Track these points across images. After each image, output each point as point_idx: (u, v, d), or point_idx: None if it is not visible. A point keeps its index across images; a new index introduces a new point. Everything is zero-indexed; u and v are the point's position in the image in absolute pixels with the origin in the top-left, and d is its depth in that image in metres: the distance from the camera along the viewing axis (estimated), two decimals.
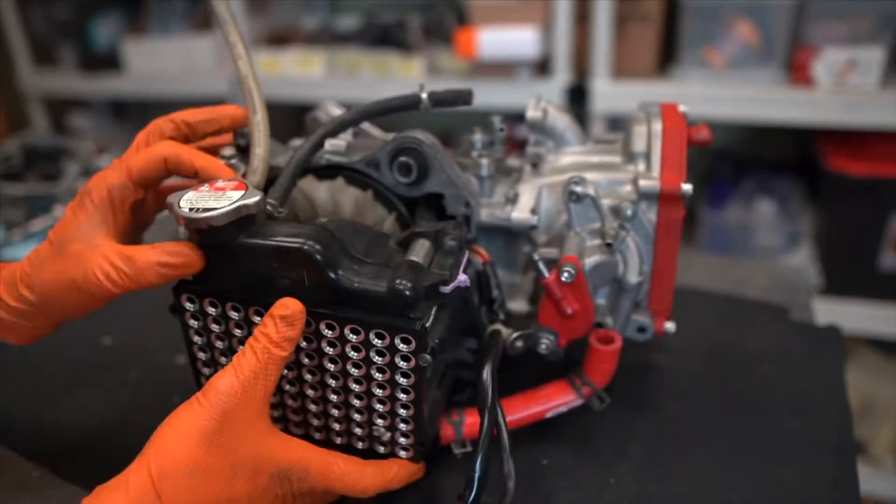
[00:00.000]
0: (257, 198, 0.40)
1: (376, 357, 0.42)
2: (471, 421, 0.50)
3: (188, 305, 0.44)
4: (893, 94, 1.14)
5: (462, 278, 0.43)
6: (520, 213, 0.50)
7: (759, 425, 0.53)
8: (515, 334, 0.49)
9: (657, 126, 0.51)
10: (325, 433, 0.47)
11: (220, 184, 0.42)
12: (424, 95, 0.50)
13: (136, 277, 0.41)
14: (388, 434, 0.45)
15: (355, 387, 0.43)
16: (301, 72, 1.53)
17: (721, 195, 1.41)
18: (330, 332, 0.41)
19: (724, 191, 1.42)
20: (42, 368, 0.65)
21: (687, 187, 0.48)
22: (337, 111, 0.56)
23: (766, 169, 1.46)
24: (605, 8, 1.24)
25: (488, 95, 1.36)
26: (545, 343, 0.49)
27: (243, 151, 0.50)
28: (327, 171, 0.51)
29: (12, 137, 1.12)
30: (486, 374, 0.45)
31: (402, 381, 0.42)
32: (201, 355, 0.46)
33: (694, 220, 1.45)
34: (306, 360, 0.44)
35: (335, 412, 0.45)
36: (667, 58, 1.35)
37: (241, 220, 0.40)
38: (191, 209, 0.39)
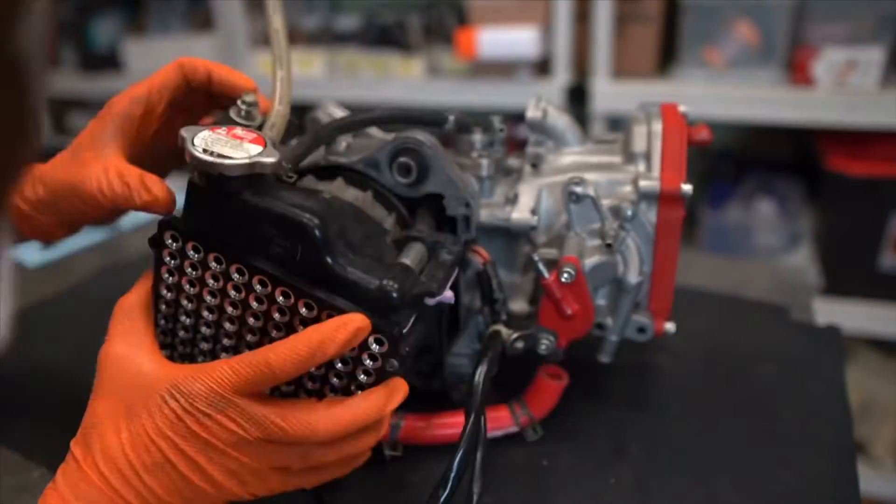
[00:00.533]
0: (274, 159, 0.39)
1: None
2: (408, 424, 0.51)
3: (170, 242, 0.42)
4: (893, 94, 1.14)
5: (448, 295, 0.42)
6: (519, 213, 0.50)
7: (760, 425, 0.53)
8: (515, 335, 0.49)
9: (657, 126, 0.51)
10: None
11: (237, 131, 0.40)
12: (452, 118, 0.52)
13: (123, 196, 0.42)
14: None
15: (314, 371, 0.42)
16: (301, 72, 1.53)
17: (721, 195, 1.41)
18: (306, 311, 0.40)
19: (724, 191, 1.42)
20: (42, 368, 0.65)
21: (687, 188, 0.48)
22: (337, 111, 0.56)
23: (766, 169, 1.46)
24: (605, 8, 1.24)
25: (488, 95, 1.36)
26: (545, 344, 0.49)
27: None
28: (326, 172, 0.51)
29: None
30: (480, 375, 0.45)
31: (362, 377, 0.41)
32: (166, 293, 0.44)
33: (694, 220, 1.45)
34: (273, 332, 0.42)
35: (284, 388, 0.43)
36: (667, 58, 1.35)
37: (252, 175, 0.39)
38: (204, 150, 0.38)
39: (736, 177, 1.45)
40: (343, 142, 0.53)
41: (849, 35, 1.18)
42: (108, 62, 1.79)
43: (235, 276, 0.41)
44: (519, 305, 0.54)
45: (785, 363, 0.61)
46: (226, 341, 0.44)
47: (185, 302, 0.44)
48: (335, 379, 0.42)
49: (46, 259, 0.92)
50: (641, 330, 0.52)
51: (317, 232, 0.38)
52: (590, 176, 0.51)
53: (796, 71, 1.21)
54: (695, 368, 0.61)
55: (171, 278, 0.43)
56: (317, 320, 0.40)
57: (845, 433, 0.52)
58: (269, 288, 0.40)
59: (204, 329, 0.44)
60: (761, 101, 1.21)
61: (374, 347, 0.39)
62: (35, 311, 0.77)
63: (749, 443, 0.52)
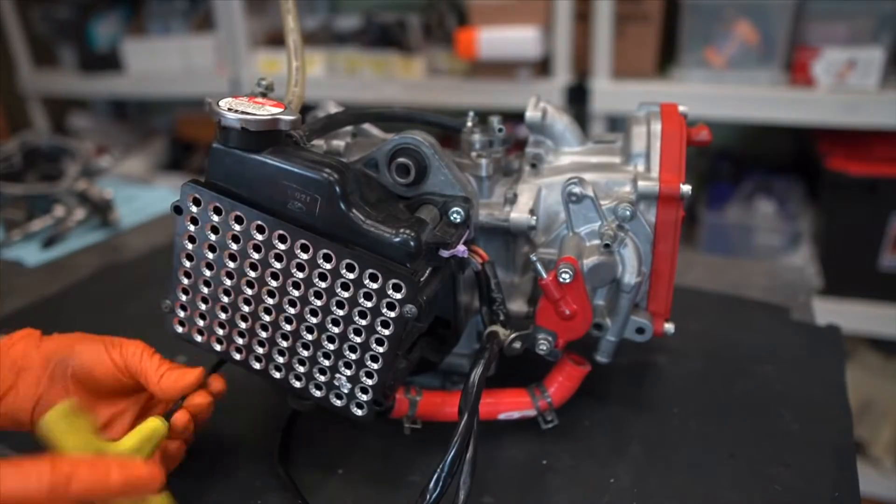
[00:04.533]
0: (294, 117, 0.42)
1: (363, 300, 0.42)
2: (426, 401, 0.51)
3: (192, 207, 0.44)
4: (893, 94, 1.14)
5: (461, 249, 0.45)
6: (518, 213, 0.50)
7: (759, 425, 0.53)
8: (513, 335, 0.49)
9: (656, 126, 0.51)
10: (286, 372, 0.46)
11: (259, 99, 0.44)
12: (469, 123, 0.55)
13: None
14: (349, 386, 0.44)
15: (332, 328, 0.43)
16: None
17: (721, 195, 1.41)
18: (326, 263, 0.42)
19: (724, 191, 1.42)
20: None
21: (686, 188, 0.48)
22: (337, 111, 0.56)
23: (766, 169, 1.46)
24: (606, 8, 1.24)
25: (488, 95, 1.36)
26: (543, 344, 0.49)
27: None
28: None
29: (12, 137, 1.12)
30: (476, 376, 0.45)
31: (380, 330, 0.42)
32: (186, 262, 0.45)
33: (694, 220, 1.45)
34: (292, 289, 0.43)
35: (303, 352, 0.45)
36: (667, 58, 1.35)
37: (271, 133, 0.42)
38: (229, 109, 0.41)
39: (736, 177, 1.45)
40: (342, 140, 0.53)
41: (849, 35, 1.18)
42: (108, 62, 1.79)
43: (256, 234, 0.43)
44: (518, 306, 0.54)
45: (785, 363, 0.61)
46: (244, 308, 0.45)
47: (206, 272, 0.45)
48: (354, 336, 0.43)
49: (46, 259, 0.92)
50: (640, 331, 0.52)
51: (336, 186, 0.41)
52: (589, 176, 0.51)
53: (796, 71, 1.21)
54: (695, 368, 0.61)
55: (191, 245, 0.45)
56: (335, 273, 0.41)
57: (845, 433, 0.52)
58: (289, 243, 0.42)
59: (223, 297, 0.46)
60: (761, 101, 1.21)
61: (392, 294, 0.41)
62: (35, 311, 0.77)
63: (749, 443, 0.52)
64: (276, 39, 1.65)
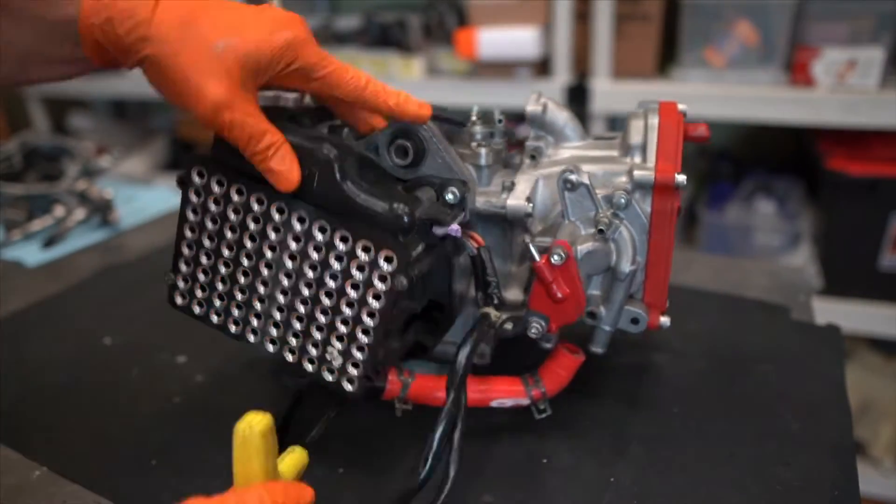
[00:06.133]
0: (296, 95, 0.44)
1: (355, 272, 0.43)
2: (419, 383, 0.51)
3: (196, 178, 0.45)
4: (893, 94, 1.14)
5: (454, 228, 0.45)
6: (515, 200, 0.50)
7: (759, 425, 0.53)
8: (505, 316, 0.50)
9: (654, 120, 0.51)
10: (280, 346, 0.47)
11: None
12: (473, 117, 0.56)
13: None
14: (340, 360, 0.45)
15: (325, 300, 0.44)
16: None
17: (721, 195, 1.41)
18: (321, 235, 0.43)
19: (724, 191, 1.42)
20: (42, 368, 0.65)
21: (681, 178, 0.48)
22: None
23: (766, 169, 1.46)
24: (605, 8, 1.24)
25: (488, 95, 1.36)
26: (535, 327, 0.49)
27: None
28: None
29: (12, 137, 1.12)
30: (463, 355, 0.45)
31: (371, 303, 0.43)
32: (188, 234, 0.47)
33: (694, 220, 1.45)
34: (288, 262, 0.45)
35: (297, 325, 0.46)
36: (667, 58, 1.35)
37: (274, 110, 0.43)
38: None
39: (736, 177, 1.45)
40: (345, 128, 0.53)
41: (849, 35, 1.18)
42: None
43: (255, 206, 0.44)
44: (513, 294, 0.54)
45: (785, 363, 0.61)
46: (242, 280, 0.47)
47: (207, 243, 0.47)
48: (346, 308, 0.44)
49: (46, 259, 0.92)
50: (635, 321, 0.51)
51: (334, 161, 0.42)
52: (586, 167, 0.51)
53: (796, 71, 1.21)
54: (695, 368, 0.61)
55: (194, 217, 0.47)
56: (330, 245, 0.43)
57: (845, 433, 0.52)
58: (286, 215, 0.44)
59: (222, 268, 0.47)
60: (761, 101, 1.21)
61: (384, 266, 0.42)
62: (35, 311, 0.77)
63: (749, 443, 0.52)
64: None
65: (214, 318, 0.49)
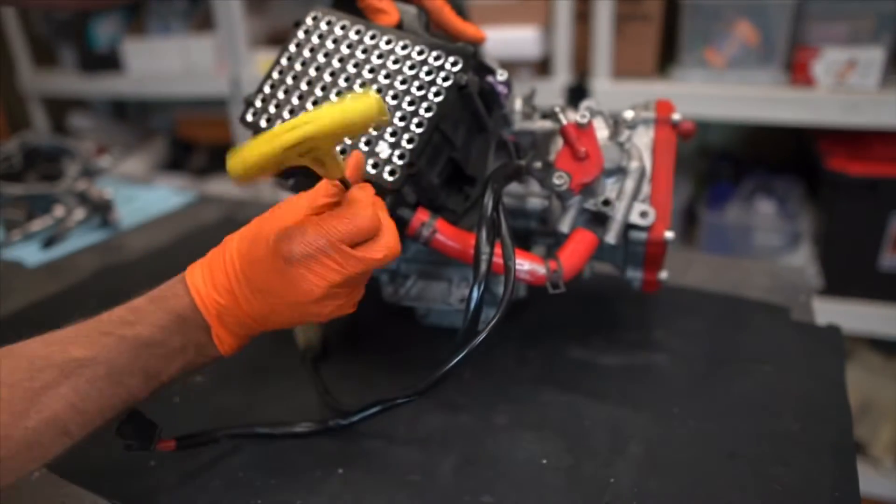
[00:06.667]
0: None
1: (424, 75, 0.51)
2: (442, 224, 0.54)
3: (309, 20, 0.56)
4: (893, 94, 1.14)
5: (502, 88, 0.56)
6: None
7: (759, 425, 0.53)
8: (533, 154, 0.57)
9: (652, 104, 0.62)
10: None
11: None
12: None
13: None
14: (388, 152, 0.50)
15: (391, 100, 0.51)
16: None
17: (721, 195, 1.41)
18: (402, 50, 0.53)
19: (724, 191, 1.42)
20: None
21: (676, 116, 0.58)
22: None
23: (766, 169, 1.46)
24: (606, 8, 1.24)
25: None
26: (560, 178, 0.55)
27: None
28: None
29: (12, 137, 1.12)
30: (491, 191, 0.49)
31: (432, 98, 0.50)
32: (284, 62, 0.54)
33: (694, 220, 1.45)
34: (367, 73, 0.52)
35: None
36: (667, 58, 1.35)
37: None
38: None
39: (736, 177, 1.45)
40: None
41: (849, 35, 1.18)
42: (108, 62, 1.79)
43: (353, 35, 0.54)
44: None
45: (785, 363, 0.61)
46: (318, 93, 0.53)
47: (298, 66, 0.54)
48: (408, 106, 0.50)
49: (46, 259, 0.92)
50: (644, 214, 0.57)
51: (421, 16, 0.58)
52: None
53: (796, 71, 1.21)
54: (695, 368, 0.61)
55: (295, 49, 0.55)
56: (408, 57, 0.52)
57: (845, 433, 0.52)
58: (377, 39, 0.53)
59: (303, 86, 0.53)
60: (761, 101, 1.21)
61: (450, 68, 0.51)
62: (35, 311, 0.77)
63: (749, 443, 0.52)
64: (276, 39, 1.65)
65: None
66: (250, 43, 1.59)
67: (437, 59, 0.51)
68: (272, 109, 0.53)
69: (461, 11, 0.66)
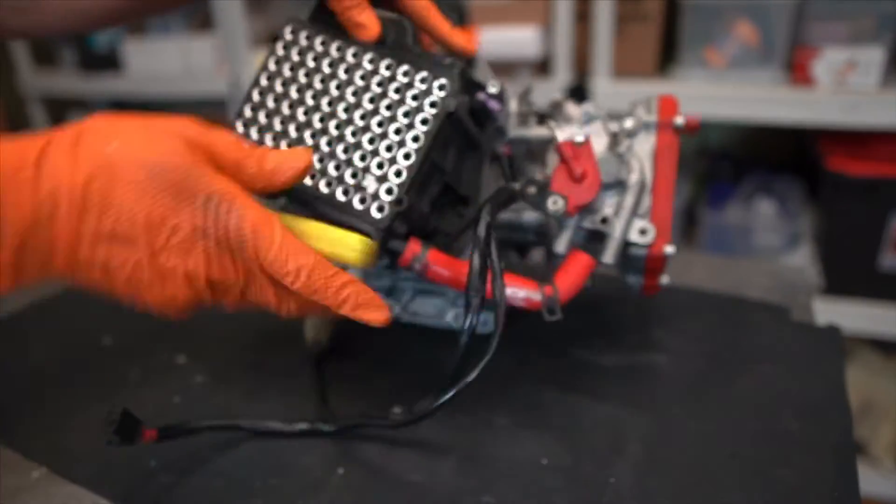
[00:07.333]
0: None
1: (410, 100, 0.49)
2: (435, 254, 0.52)
3: (288, 35, 0.53)
4: (893, 94, 1.14)
5: (495, 104, 0.54)
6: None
7: (759, 425, 0.53)
8: (527, 181, 0.54)
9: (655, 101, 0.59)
10: (319, 177, 0.49)
11: None
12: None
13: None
14: (376, 186, 0.47)
15: (376, 128, 0.49)
16: None
17: (721, 195, 1.41)
18: (386, 71, 0.50)
19: (724, 191, 1.42)
20: (42, 368, 0.65)
21: (679, 120, 0.56)
22: None
23: (766, 169, 1.46)
24: (606, 8, 1.24)
25: None
26: (555, 202, 0.53)
27: None
28: None
29: None
30: (485, 219, 0.47)
31: (419, 126, 0.48)
32: (263, 82, 0.52)
33: (694, 220, 1.45)
34: (350, 96, 0.50)
35: (342, 154, 0.49)
36: (667, 58, 1.35)
37: None
38: None
39: (736, 177, 1.45)
40: None
41: (849, 35, 1.18)
42: (108, 62, 1.79)
43: (334, 52, 0.51)
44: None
45: (785, 363, 0.61)
46: (302, 117, 0.51)
47: (278, 87, 0.52)
48: (394, 134, 0.48)
49: None
50: (643, 231, 0.55)
51: (407, 26, 0.52)
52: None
53: (796, 71, 1.21)
54: (695, 368, 0.61)
55: (275, 66, 0.52)
56: (391, 79, 0.50)
57: (845, 433, 0.52)
58: (359, 58, 0.51)
59: (285, 109, 0.51)
60: (761, 101, 1.21)
61: (437, 92, 0.48)
62: (35, 311, 0.77)
63: (749, 443, 0.52)
64: (276, 39, 1.65)
65: (270, 144, 0.52)
66: (250, 43, 1.59)
67: (423, 81, 0.49)
68: (254, 135, 0.51)
69: (460, 12, 0.64)
